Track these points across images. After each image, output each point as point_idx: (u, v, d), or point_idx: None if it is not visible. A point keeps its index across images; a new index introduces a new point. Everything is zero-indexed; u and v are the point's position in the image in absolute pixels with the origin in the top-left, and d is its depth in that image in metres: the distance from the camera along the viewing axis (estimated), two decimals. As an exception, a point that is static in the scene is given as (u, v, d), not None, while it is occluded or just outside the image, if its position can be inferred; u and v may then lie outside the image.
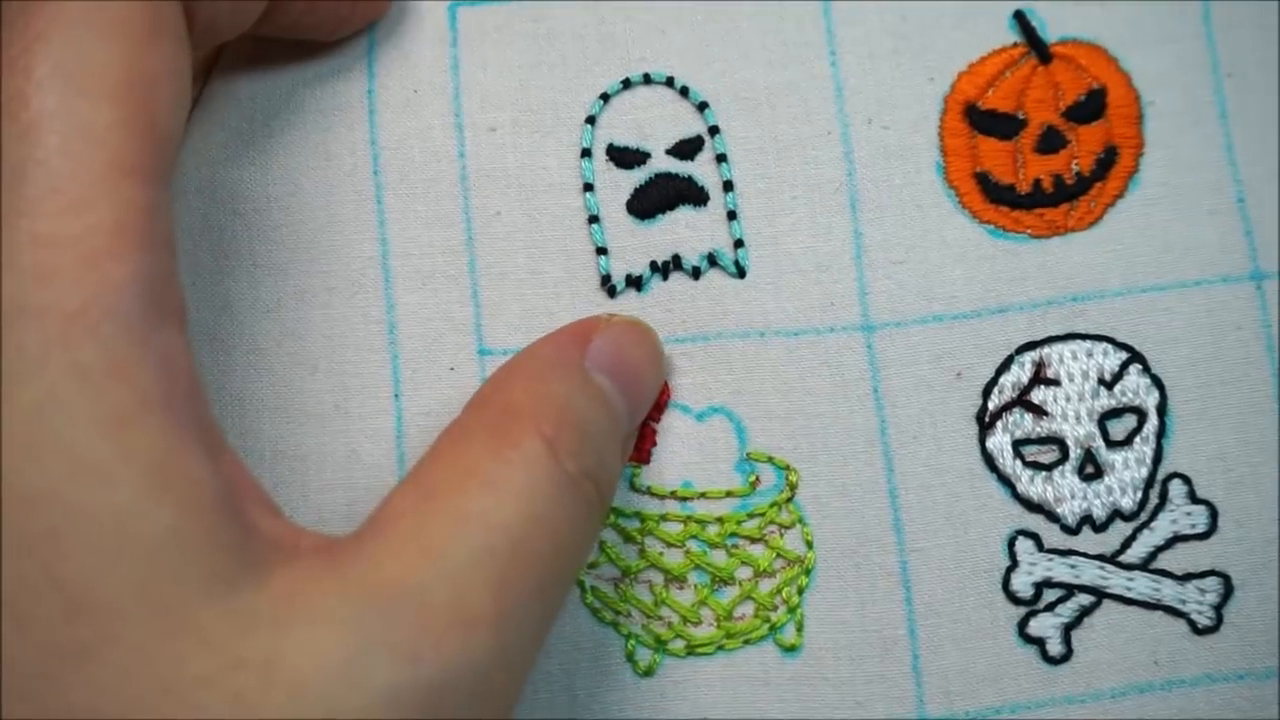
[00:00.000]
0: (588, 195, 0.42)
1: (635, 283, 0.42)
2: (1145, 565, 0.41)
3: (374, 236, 0.42)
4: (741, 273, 0.42)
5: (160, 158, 0.30)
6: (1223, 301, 0.42)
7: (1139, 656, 0.41)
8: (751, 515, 0.41)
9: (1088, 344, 0.42)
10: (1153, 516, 0.41)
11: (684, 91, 0.43)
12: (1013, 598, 0.41)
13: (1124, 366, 0.42)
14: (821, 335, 0.42)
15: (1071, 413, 0.42)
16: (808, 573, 0.41)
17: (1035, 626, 0.41)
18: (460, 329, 0.42)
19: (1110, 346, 0.42)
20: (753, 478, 0.41)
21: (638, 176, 0.43)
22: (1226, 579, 0.41)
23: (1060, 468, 0.41)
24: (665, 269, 0.42)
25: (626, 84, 0.43)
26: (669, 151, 0.43)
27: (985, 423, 0.42)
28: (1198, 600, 0.41)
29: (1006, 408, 0.42)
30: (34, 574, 0.27)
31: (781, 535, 0.41)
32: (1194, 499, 0.41)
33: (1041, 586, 0.41)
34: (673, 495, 0.41)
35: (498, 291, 0.42)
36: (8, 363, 0.28)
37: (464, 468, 0.32)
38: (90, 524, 0.27)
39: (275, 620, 0.28)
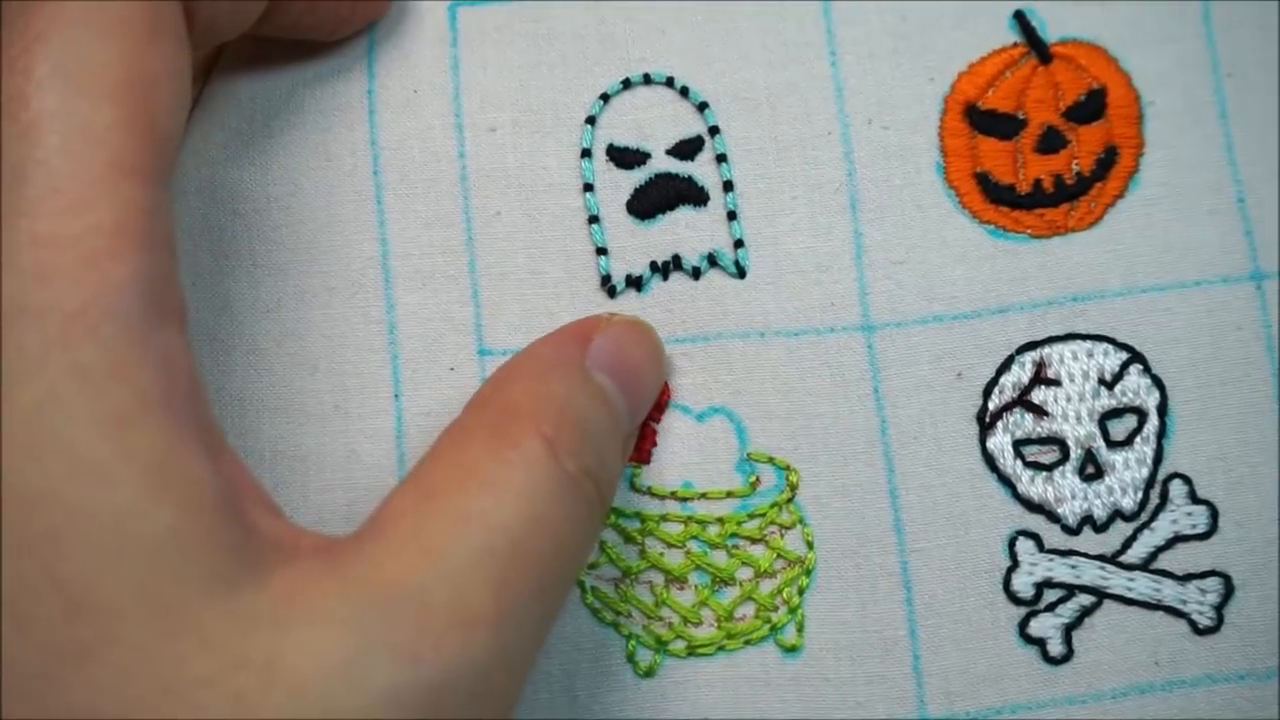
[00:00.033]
0: (588, 195, 0.42)
1: (635, 283, 0.42)
2: (1146, 565, 0.41)
3: (374, 236, 0.42)
4: (742, 273, 0.42)
5: (160, 158, 0.30)
6: (1223, 302, 0.42)
7: (1140, 657, 0.41)
8: (752, 516, 0.41)
9: (1088, 344, 0.42)
10: (1153, 517, 0.41)
11: (684, 92, 0.43)
12: (1013, 598, 0.41)
13: (1124, 367, 0.42)
14: (822, 335, 0.42)
15: (1072, 413, 0.42)
16: (808, 573, 0.41)
17: (1036, 627, 0.41)
18: (460, 329, 0.42)
19: (1110, 347, 0.42)
20: (753, 478, 0.41)
21: (638, 177, 0.43)
22: (1227, 579, 0.41)
23: (1061, 468, 0.41)
24: (665, 269, 0.42)
25: (626, 84, 0.43)
26: (669, 152, 0.43)
27: (986, 423, 0.42)
28: (1198, 600, 0.41)
29: (1007, 408, 0.42)
30: (34, 574, 0.27)
31: (782, 536, 0.41)
32: (1194, 499, 0.41)
33: (1042, 587, 0.41)
34: (673, 496, 0.41)
35: (498, 292, 0.42)
36: (8, 363, 0.28)
37: (464, 468, 0.32)
38: (90, 524, 0.27)
39: (275, 620, 0.28)
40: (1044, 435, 0.42)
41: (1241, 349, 0.42)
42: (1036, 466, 0.41)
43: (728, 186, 0.42)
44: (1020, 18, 0.44)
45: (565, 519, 0.33)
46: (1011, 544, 0.41)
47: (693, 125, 0.43)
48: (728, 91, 0.43)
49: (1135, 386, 0.42)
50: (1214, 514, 0.41)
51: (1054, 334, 0.42)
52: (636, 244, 0.42)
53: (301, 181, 0.42)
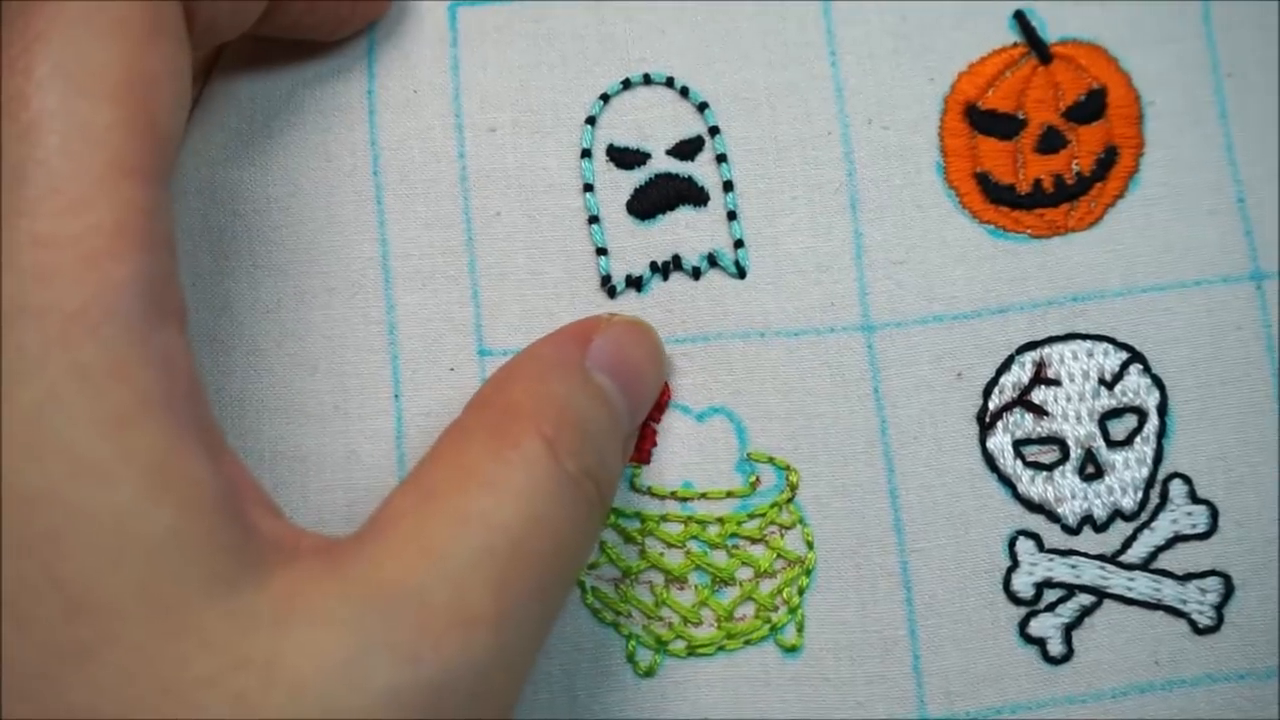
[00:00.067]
0: (588, 196, 0.42)
1: (635, 283, 0.42)
2: (1146, 565, 0.41)
3: (374, 237, 0.42)
4: (742, 273, 0.42)
5: (160, 158, 0.30)
6: (1223, 301, 0.42)
7: (1140, 656, 0.41)
8: (752, 516, 0.41)
9: (1088, 344, 0.42)
10: (1153, 516, 0.41)
11: (684, 92, 0.43)
12: (1013, 598, 0.41)
13: (1124, 366, 0.42)
14: (822, 335, 0.42)
15: (1072, 413, 0.42)
16: (808, 573, 0.41)
17: (1036, 626, 0.41)
18: (460, 329, 0.42)
19: (1111, 346, 0.42)
20: (753, 478, 0.41)
21: (638, 177, 0.43)
22: (1227, 579, 0.41)
23: (1061, 468, 0.41)
24: (665, 269, 0.42)
25: (626, 84, 0.43)
26: (669, 152, 0.43)
27: (986, 423, 0.42)
28: (1198, 600, 0.41)
29: (1007, 408, 0.42)
30: (34, 574, 0.27)
31: (782, 536, 0.41)
32: (1194, 499, 0.41)
33: (1042, 586, 0.41)
34: (673, 496, 0.41)
35: (498, 292, 0.42)
36: (8, 363, 0.28)
37: (464, 468, 0.32)
38: (90, 524, 0.27)
39: (276, 621, 0.28)
40: (1044, 435, 0.42)
41: (1241, 349, 0.42)
42: (1036, 466, 0.41)
43: (728, 187, 0.42)
44: (1020, 18, 0.44)
45: (565, 519, 0.33)
46: (1011, 544, 0.41)
47: (693, 125, 0.43)
48: (728, 92, 0.43)
49: (1135, 386, 0.42)
50: (1214, 514, 0.41)
51: (1054, 334, 0.42)
52: (636, 244, 0.42)
53: (301, 182, 0.42)
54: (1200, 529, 0.41)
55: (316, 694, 0.28)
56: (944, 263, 0.42)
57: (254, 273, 0.42)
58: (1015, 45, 0.44)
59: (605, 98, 0.43)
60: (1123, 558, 0.41)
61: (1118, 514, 0.41)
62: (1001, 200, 0.43)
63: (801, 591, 0.41)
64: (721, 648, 0.41)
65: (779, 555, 0.41)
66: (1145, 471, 0.41)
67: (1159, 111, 0.43)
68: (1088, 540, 0.41)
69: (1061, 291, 0.42)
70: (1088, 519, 0.41)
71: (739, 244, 0.42)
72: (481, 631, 0.30)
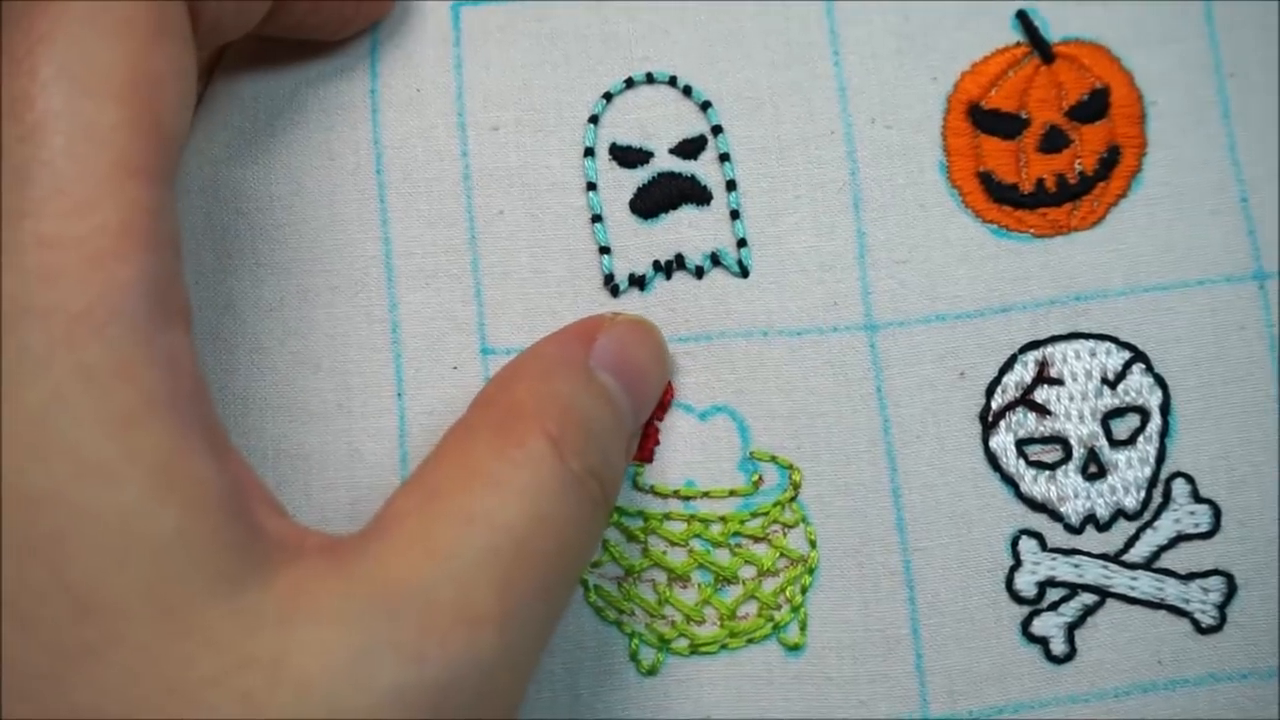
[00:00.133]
0: (591, 194, 0.42)
1: (638, 282, 0.42)
2: (1149, 564, 0.41)
3: (377, 235, 0.42)
4: (745, 272, 0.42)
5: (165, 158, 0.30)
6: (1226, 301, 0.42)
7: (1142, 656, 0.41)
8: (755, 514, 0.41)
9: (1091, 343, 0.42)
10: (1156, 516, 0.41)
11: (687, 91, 0.43)
12: (1016, 597, 0.41)
13: (1127, 366, 0.42)
14: (825, 335, 0.42)
15: (1075, 412, 0.42)
16: (811, 572, 0.41)
17: (1039, 626, 0.41)
18: (463, 328, 0.42)
19: (1113, 346, 0.42)
20: (756, 477, 0.41)
21: (641, 176, 0.43)
22: (1230, 578, 0.41)
23: (1063, 467, 0.41)
24: (668, 268, 0.42)
25: (629, 83, 0.43)
26: (672, 151, 0.43)
27: (988, 422, 0.42)
28: (1201, 600, 0.41)
29: (1010, 407, 0.42)
30: (39, 574, 0.27)
31: (785, 534, 0.41)
32: (1197, 498, 0.41)
33: (1045, 586, 0.41)
34: (676, 494, 0.41)
35: (501, 290, 0.42)
36: (13, 364, 0.28)
37: (469, 467, 0.32)
38: (96, 525, 0.27)
39: (281, 620, 0.28)
40: (1047, 434, 0.42)
41: (1244, 348, 0.42)
42: (1039, 465, 0.41)
43: (731, 186, 0.42)
44: (1023, 17, 0.44)
45: (570, 518, 0.33)
46: (1014, 543, 0.41)
47: (696, 124, 0.43)
48: (731, 91, 0.43)
49: (1138, 385, 0.42)
50: (1217, 513, 0.41)
51: (1057, 333, 0.42)
52: (639, 243, 0.42)
53: (304, 180, 0.42)
54: (1203, 528, 0.41)
55: (322, 693, 0.28)
56: (947, 262, 0.42)
57: (257, 271, 0.42)
58: (1018, 45, 0.44)
59: (608, 96, 0.43)
60: (1125, 557, 0.41)
61: (1120, 513, 0.41)
62: (1004, 199, 0.43)
63: (804, 590, 0.41)
64: (724, 646, 0.41)
65: (782, 554, 0.41)
66: (1148, 471, 0.41)
67: (1161, 111, 0.43)
68: (1090, 539, 0.41)
69: (1064, 291, 0.42)
70: (1090, 518, 0.41)
71: (742, 243, 0.42)
72: (486, 630, 0.30)
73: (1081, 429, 0.42)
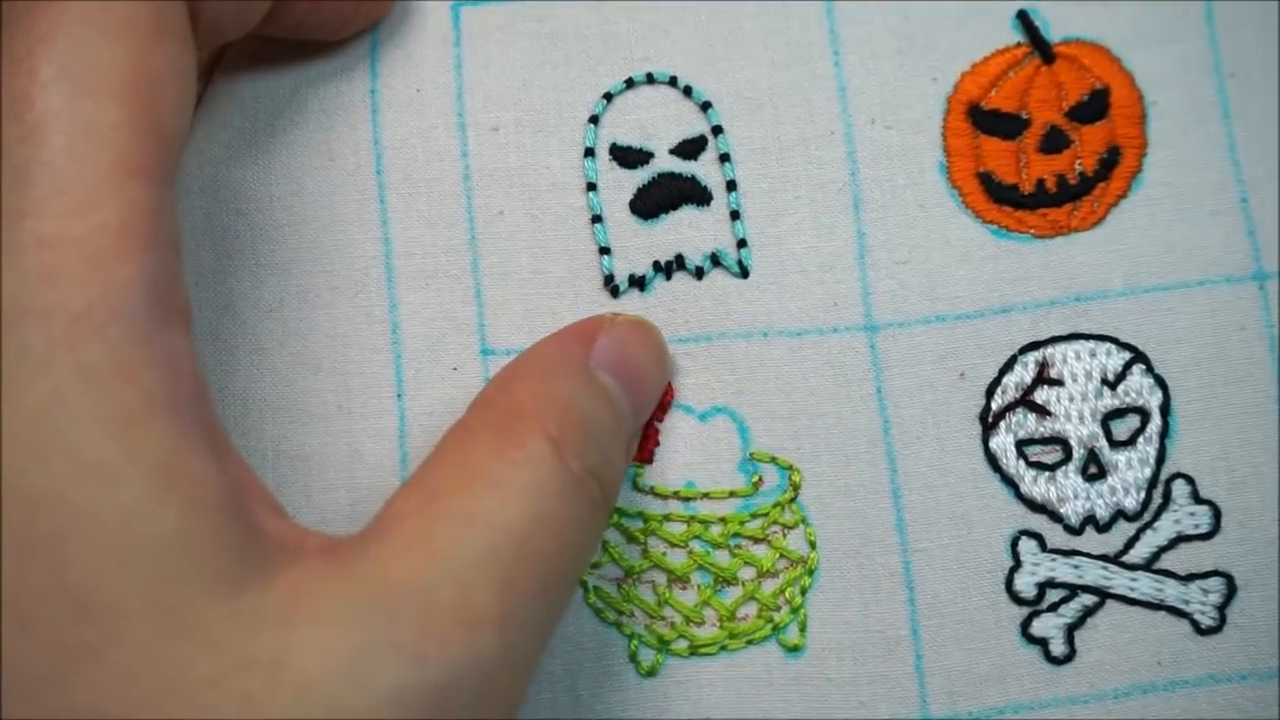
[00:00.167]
0: (591, 195, 0.42)
1: (638, 283, 0.42)
2: (1148, 565, 0.41)
3: (377, 236, 0.42)
4: (745, 273, 0.42)
5: (165, 158, 0.30)
6: (1226, 302, 0.42)
7: (1142, 657, 0.41)
8: (754, 515, 0.41)
9: (1091, 344, 0.42)
10: (1156, 517, 0.41)
11: (687, 91, 0.43)
12: (1016, 598, 0.41)
13: (1127, 366, 0.42)
14: (825, 335, 0.42)
15: (1075, 413, 0.42)
16: (811, 573, 0.41)
17: (1038, 627, 0.41)
18: (463, 329, 0.42)
19: (1113, 346, 0.42)
20: (756, 478, 0.41)
21: (641, 176, 0.43)
22: (1229, 579, 0.41)
23: (1063, 468, 0.41)
24: (668, 269, 0.42)
25: (630, 84, 0.43)
26: (672, 151, 0.43)
27: (988, 423, 0.42)
28: (1201, 600, 0.41)
29: (1010, 408, 0.42)
30: (39, 575, 0.27)
31: (784, 535, 0.41)
32: (1197, 499, 0.41)
33: (1044, 587, 0.41)
34: (676, 495, 0.41)
35: (501, 291, 0.42)
36: (13, 363, 0.28)
37: (468, 468, 0.32)
38: (96, 525, 0.27)
39: (281, 620, 0.28)
40: (1047, 435, 0.42)
41: (1244, 349, 0.42)
42: (1039, 466, 0.41)
43: (731, 186, 0.42)
44: (1023, 17, 0.44)
45: (569, 519, 0.33)
46: (1014, 544, 0.41)
47: (696, 125, 0.43)
48: (731, 91, 0.43)
49: (1138, 386, 0.42)
50: (1216, 514, 0.41)
51: (1057, 334, 0.42)
52: (639, 243, 0.42)
53: (304, 181, 0.42)
54: (1203, 529, 0.41)
55: (322, 694, 0.28)
56: (947, 262, 0.42)
57: (257, 272, 0.42)
58: (1018, 45, 0.44)
59: (608, 97, 0.43)
60: (1125, 558, 0.41)
61: (1120, 514, 0.41)
62: (1004, 200, 0.43)
63: (804, 591, 0.41)
64: (724, 647, 0.41)
65: (781, 555, 0.41)
66: (1148, 472, 0.41)
67: (1162, 111, 0.43)
68: (1090, 540, 0.41)
69: (1064, 291, 0.42)
70: (1090, 519, 0.41)
71: (742, 244, 0.42)
72: (486, 631, 0.30)
73: (1081, 430, 0.42)
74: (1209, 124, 0.43)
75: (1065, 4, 0.44)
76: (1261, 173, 0.43)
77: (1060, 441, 0.42)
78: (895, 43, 0.43)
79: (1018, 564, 0.41)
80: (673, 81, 0.43)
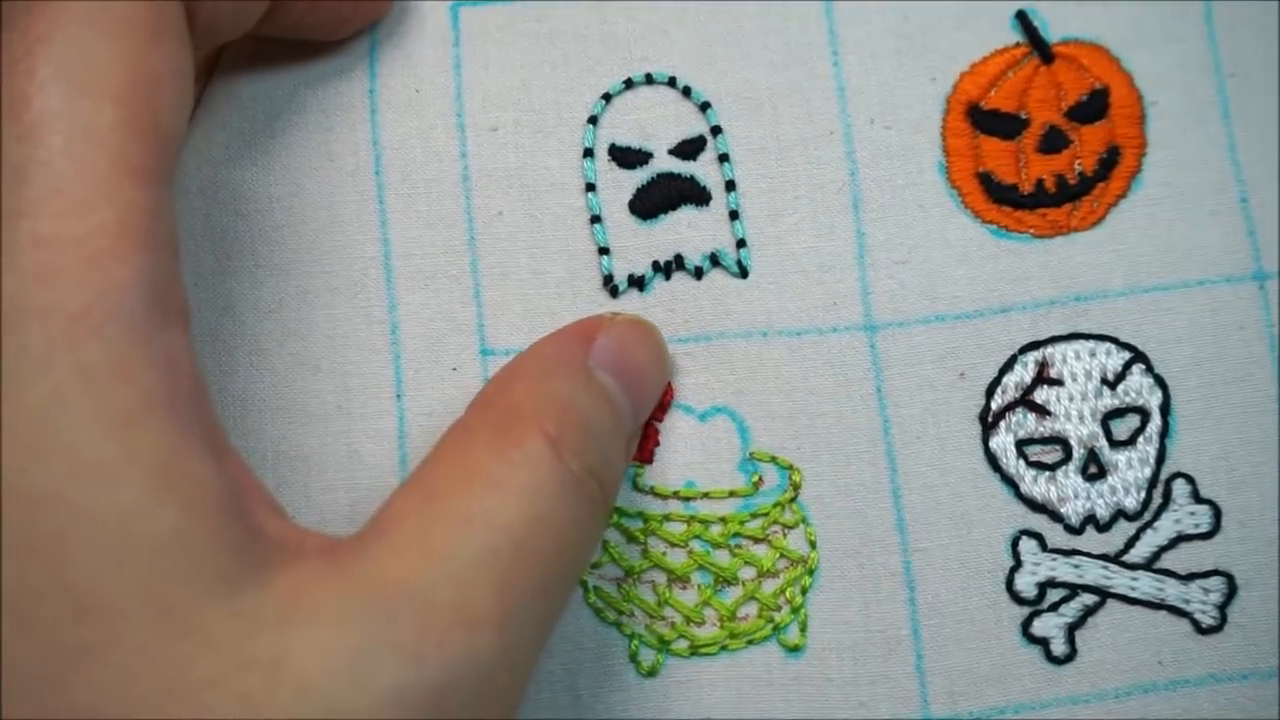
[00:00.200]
0: (590, 195, 0.42)
1: (638, 283, 0.42)
2: (1149, 565, 0.41)
3: (376, 237, 0.42)
4: (744, 273, 0.42)
5: (163, 158, 0.30)
6: (1225, 301, 0.42)
7: (1143, 656, 0.41)
8: (755, 515, 0.41)
9: (1091, 344, 0.42)
10: (1156, 516, 0.41)
11: (686, 91, 0.43)
12: (1016, 598, 0.41)
13: (1127, 366, 0.42)
14: (824, 335, 0.42)
15: (1075, 412, 0.42)
16: (811, 573, 0.41)
17: (1039, 626, 0.41)
18: (462, 329, 0.42)
19: (1113, 346, 0.42)
20: (756, 478, 0.41)
21: (640, 176, 0.43)
22: (1230, 579, 0.41)
23: (1064, 468, 0.41)
24: (668, 269, 0.42)
25: (629, 84, 0.43)
26: (671, 151, 0.43)
27: (988, 423, 0.41)
28: (1201, 600, 0.41)
29: (1010, 408, 0.42)
30: (38, 575, 0.27)
31: (785, 535, 0.41)
32: (1197, 499, 0.41)
33: (1045, 586, 0.41)
34: (676, 495, 0.41)
35: (500, 292, 0.42)
36: (12, 364, 0.27)
37: (467, 468, 0.32)
38: (94, 525, 0.27)
39: (280, 621, 0.28)
40: (1047, 435, 0.41)
41: (1244, 349, 0.42)
42: (1039, 466, 0.41)
43: (730, 186, 0.42)
44: (1022, 18, 0.43)
45: (568, 519, 0.33)
46: (1014, 543, 0.41)
47: (695, 125, 0.43)
48: (730, 91, 0.43)
49: (1138, 386, 0.42)
50: (1217, 513, 0.41)
51: (1057, 333, 0.42)
52: (639, 244, 0.42)
53: (304, 181, 0.42)
54: (1203, 529, 0.41)
55: (321, 694, 0.28)
56: (946, 262, 0.42)
57: (256, 272, 0.42)
58: (1017, 45, 0.44)
59: (607, 97, 0.43)
60: (1126, 557, 0.41)
61: (1120, 514, 0.41)
62: (1004, 200, 0.43)
63: (804, 591, 0.41)
64: (724, 647, 0.41)
65: (782, 555, 0.41)
66: (1148, 471, 0.41)
67: (1161, 111, 0.43)
68: (1090, 540, 0.41)
69: (1064, 291, 0.42)
70: (1090, 519, 0.41)
71: (741, 243, 0.42)
72: (485, 631, 0.30)
73: (1081, 429, 0.41)
74: (1209, 124, 0.43)
75: (1064, 4, 0.44)
76: (1261, 173, 0.43)
77: (1060, 441, 0.41)
78: (894, 43, 0.43)
79: (1018, 564, 0.41)
80: (672, 82, 0.43)
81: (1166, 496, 0.41)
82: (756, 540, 0.41)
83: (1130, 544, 0.41)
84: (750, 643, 0.41)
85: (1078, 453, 0.41)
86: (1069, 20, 0.44)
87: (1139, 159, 0.43)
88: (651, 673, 0.41)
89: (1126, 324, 0.42)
